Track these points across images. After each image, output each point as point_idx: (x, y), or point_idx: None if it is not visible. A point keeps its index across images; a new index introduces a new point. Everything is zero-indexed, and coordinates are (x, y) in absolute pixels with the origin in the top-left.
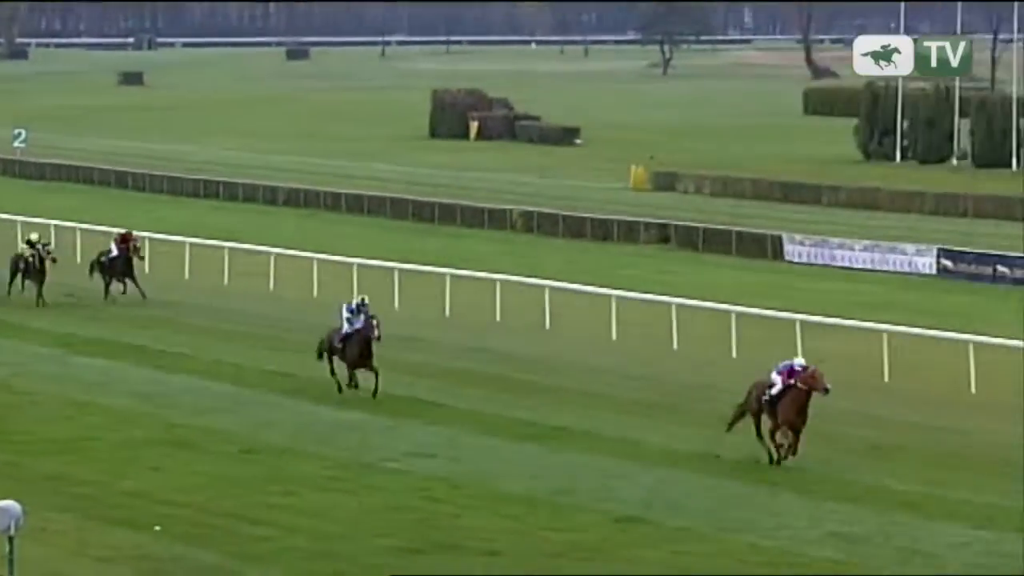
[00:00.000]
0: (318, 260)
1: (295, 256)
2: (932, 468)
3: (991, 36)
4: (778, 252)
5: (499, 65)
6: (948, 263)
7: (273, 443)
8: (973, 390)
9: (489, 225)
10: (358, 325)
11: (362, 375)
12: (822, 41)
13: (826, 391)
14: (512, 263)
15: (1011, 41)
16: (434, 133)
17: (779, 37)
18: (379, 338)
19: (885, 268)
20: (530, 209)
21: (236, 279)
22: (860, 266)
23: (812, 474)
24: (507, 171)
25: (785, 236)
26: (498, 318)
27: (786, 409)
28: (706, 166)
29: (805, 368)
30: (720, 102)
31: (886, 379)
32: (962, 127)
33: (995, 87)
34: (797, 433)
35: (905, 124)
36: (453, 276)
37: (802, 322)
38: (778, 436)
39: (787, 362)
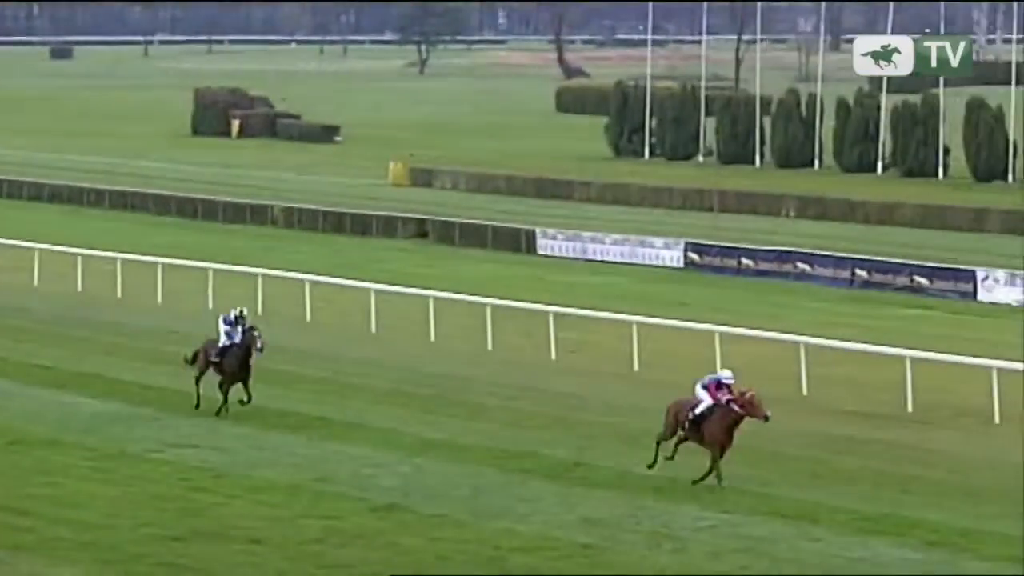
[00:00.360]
0: (82, 256)
1: (59, 252)
2: (679, 454)
3: (735, 37)
4: (532, 246)
5: (260, 65)
6: (695, 256)
7: (38, 435)
8: None
9: (251, 220)
10: (237, 339)
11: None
12: (574, 41)
13: (766, 419)
14: (274, 258)
15: (754, 42)
16: (196, 131)
17: (532, 38)
18: (261, 350)
19: (635, 261)
20: (291, 205)
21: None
22: (611, 259)
23: (564, 462)
24: (268, 168)
25: (538, 230)
26: (260, 312)
27: (712, 428)
28: (462, 163)
29: (743, 393)
30: (475, 101)
31: (635, 368)
32: (708, 125)
33: (739, 87)
34: (722, 451)
35: (654, 122)
36: (216, 271)
37: (555, 314)
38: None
39: (712, 376)
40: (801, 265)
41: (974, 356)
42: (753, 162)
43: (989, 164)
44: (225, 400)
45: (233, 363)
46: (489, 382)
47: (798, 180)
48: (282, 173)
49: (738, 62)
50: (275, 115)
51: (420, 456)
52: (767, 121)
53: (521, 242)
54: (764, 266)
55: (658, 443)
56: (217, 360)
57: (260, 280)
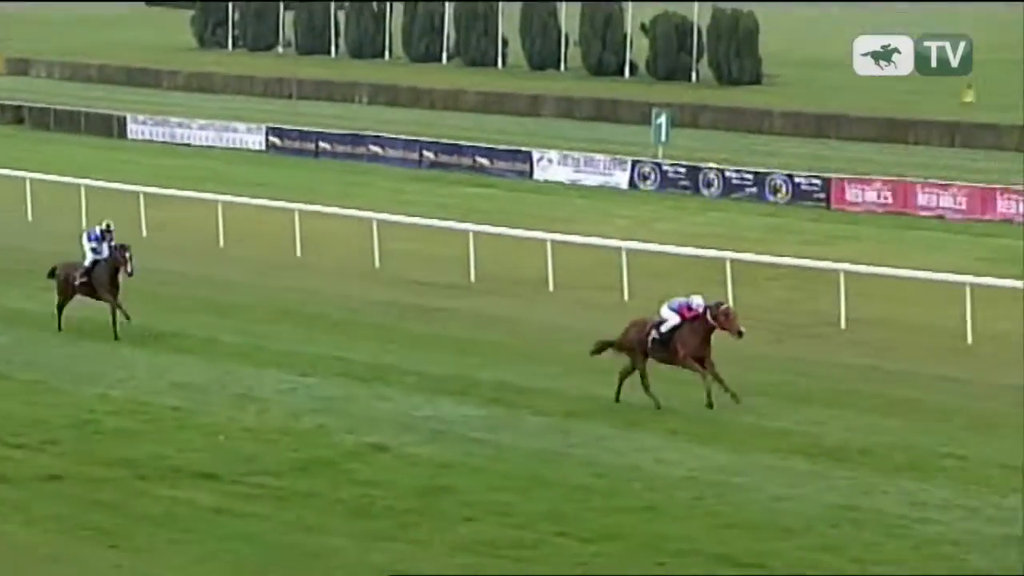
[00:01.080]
0: None
1: None
2: (262, 323)
3: None
4: (123, 131)
5: None
6: (276, 140)
7: None
8: (299, 254)
9: None
10: (104, 255)
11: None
12: None
13: (740, 334)
14: None
15: None
16: None
17: None
18: (132, 273)
19: (220, 144)
20: None
21: None
22: (198, 143)
23: (155, 331)
24: None
25: (129, 116)
26: None
27: (685, 340)
28: (56, 52)
29: (718, 305)
30: None
31: (221, 244)
32: (287, 18)
33: None
34: (703, 362)
35: (236, 15)
36: None
37: (145, 194)
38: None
39: (682, 299)
40: (374, 148)
41: (530, 230)
42: (329, 52)
43: (543, 55)
44: (115, 319)
45: (103, 278)
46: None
47: (370, 69)
48: None
49: None
50: None
51: (20, 327)
52: (341, 15)
53: (113, 127)
54: (340, 148)
55: (621, 378)
56: (84, 280)
57: None
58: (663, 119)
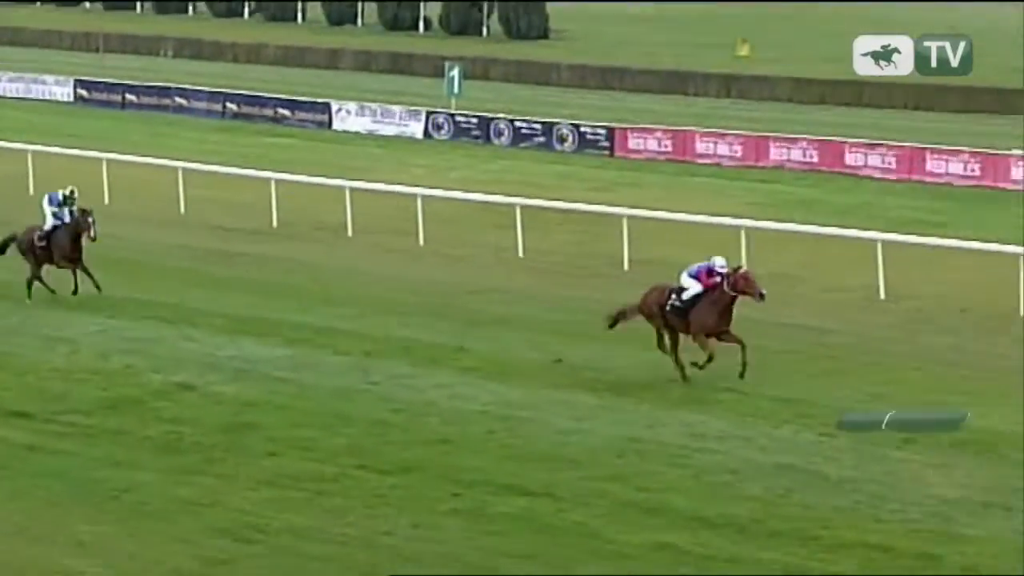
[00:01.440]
0: None
1: None
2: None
3: None
4: None
5: None
6: (84, 92)
7: None
8: (107, 201)
9: None
10: (65, 219)
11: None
12: None
13: (762, 296)
14: None
15: None
16: None
17: None
18: (94, 238)
19: (29, 96)
20: None
21: None
22: (6, 95)
23: None
24: None
25: None
26: None
27: (702, 314)
28: None
29: (736, 270)
30: None
31: (31, 193)
32: None
33: None
34: (720, 337)
35: None
36: None
37: None
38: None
39: (703, 263)
40: (179, 99)
41: (330, 178)
42: (135, 7)
43: (341, 10)
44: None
45: (63, 245)
46: None
47: (175, 24)
48: None
49: None
50: None
51: None
52: None
53: None
54: (146, 100)
55: (665, 351)
56: (43, 244)
57: None
58: (455, 72)
